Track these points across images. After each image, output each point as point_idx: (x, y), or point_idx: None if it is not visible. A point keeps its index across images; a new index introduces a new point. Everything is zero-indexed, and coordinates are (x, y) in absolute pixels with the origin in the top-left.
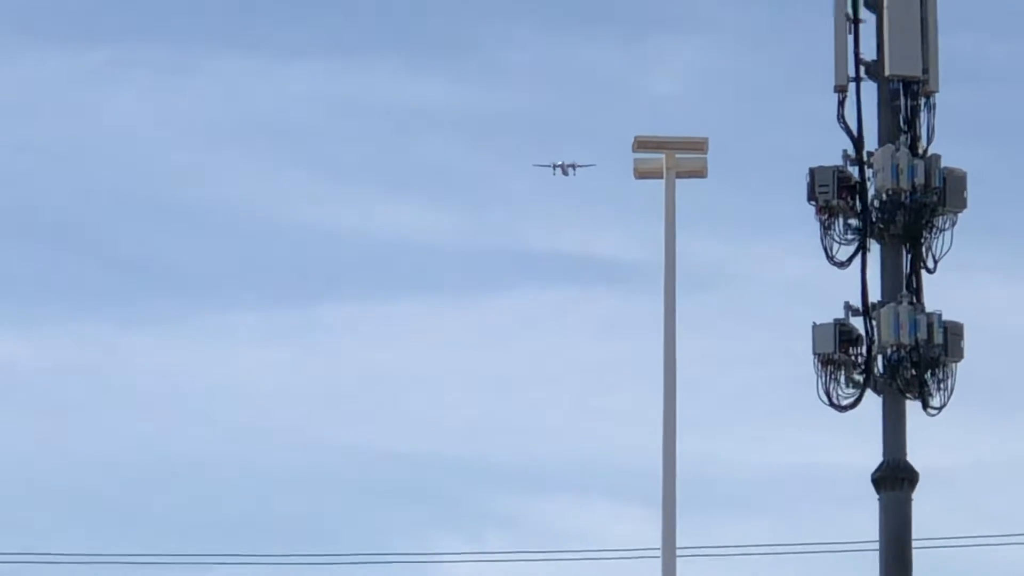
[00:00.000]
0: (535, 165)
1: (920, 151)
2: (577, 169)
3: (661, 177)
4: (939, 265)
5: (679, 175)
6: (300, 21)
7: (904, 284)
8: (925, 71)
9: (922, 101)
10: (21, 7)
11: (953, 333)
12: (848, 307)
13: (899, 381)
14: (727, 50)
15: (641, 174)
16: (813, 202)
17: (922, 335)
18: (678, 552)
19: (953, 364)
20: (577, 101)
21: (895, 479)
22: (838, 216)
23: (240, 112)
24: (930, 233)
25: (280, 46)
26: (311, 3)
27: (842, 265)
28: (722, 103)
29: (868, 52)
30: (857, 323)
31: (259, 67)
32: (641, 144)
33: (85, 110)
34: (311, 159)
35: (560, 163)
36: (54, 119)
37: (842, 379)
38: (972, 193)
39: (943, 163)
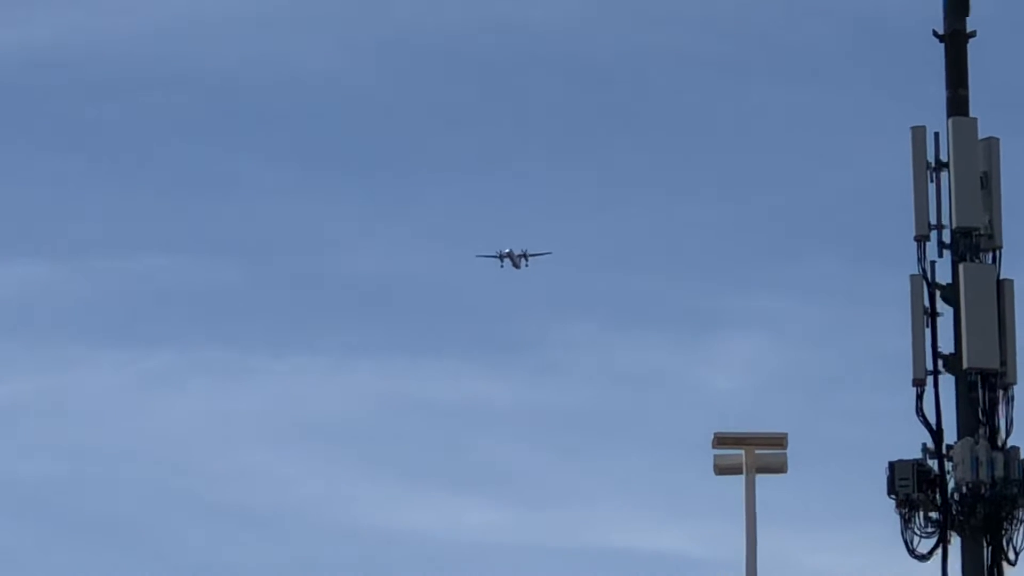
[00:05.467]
0: (478, 256)
1: (999, 443)
2: (530, 259)
3: (741, 473)
4: (1020, 557)
5: (759, 471)
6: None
7: None
8: (1003, 364)
9: (1000, 394)
10: (81, 314)
11: None
12: None
13: None
14: (791, 344)
15: (721, 470)
16: (893, 496)
17: None
18: None
19: None
20: (640, 397)
21: None
22: (918, 510)
23: (302, 412)
24: (1011, 525)
25: (339, 346)
26: (368, 303)
27: (923, 558)
28: (793, 398)
29: (945, 346)
30: None
31: (319, 366)
32: (721, 441)
33: (148, 414)
34: (372, 459)
35: (508, 251)
36: (117, 424)
37: None
38: None
39: (1023, 455)
